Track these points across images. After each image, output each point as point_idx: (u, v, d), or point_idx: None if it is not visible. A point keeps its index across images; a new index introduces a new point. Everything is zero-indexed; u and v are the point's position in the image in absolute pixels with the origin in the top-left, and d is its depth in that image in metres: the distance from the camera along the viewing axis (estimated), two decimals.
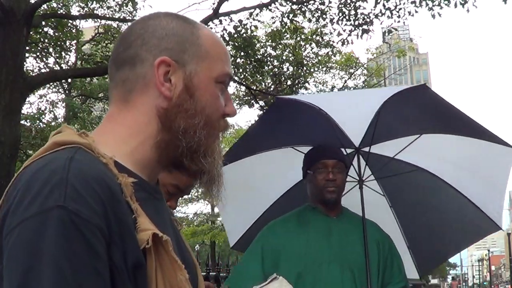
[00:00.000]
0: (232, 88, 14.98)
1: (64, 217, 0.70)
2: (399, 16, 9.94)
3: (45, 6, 9.86)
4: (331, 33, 11.13)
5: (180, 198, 1.89)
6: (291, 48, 12.58)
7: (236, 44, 10.32)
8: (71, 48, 12.38)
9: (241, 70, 11.42)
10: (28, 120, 12.64)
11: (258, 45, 11.42)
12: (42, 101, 15.53)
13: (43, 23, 9.72)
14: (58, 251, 0.68)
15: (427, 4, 9.62)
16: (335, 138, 2.56)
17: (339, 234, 2.36)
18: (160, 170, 0.94)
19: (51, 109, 15.59)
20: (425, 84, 2.67)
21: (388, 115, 2.55)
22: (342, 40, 10.45)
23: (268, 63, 11.73)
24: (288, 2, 10.31)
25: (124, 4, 12.01)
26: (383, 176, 2.88)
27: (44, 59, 12.00)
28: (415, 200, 3.11)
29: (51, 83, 13.16)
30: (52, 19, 10.06)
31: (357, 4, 9.86)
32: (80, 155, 0.79)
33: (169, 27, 0.90)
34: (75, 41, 12.14)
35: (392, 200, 3.04)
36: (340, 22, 10.21)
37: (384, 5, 9.76)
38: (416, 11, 9.79)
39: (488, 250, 63.69)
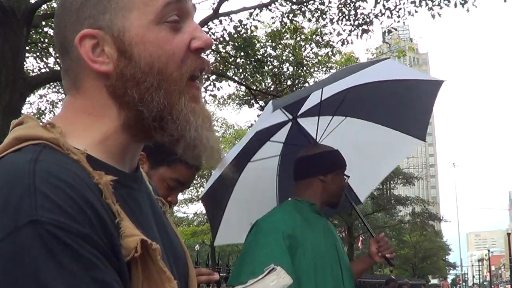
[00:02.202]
0: (232, 88, 15.00)
1: (40, 232, 0.58)
2: (399, 16, 9.97)
3: (45, 6, 9.85)
4: (331, 33, 11.14)
5: (181, 198, 1.86)
6: (291, 48, 12.56)
7: (236, 44, 10.32)
8: None
9: (241, 70, 11.42)
10: None
11: (258, 45, 11.41)
12: (42, 101, 15.51)
13: (43, 23, 9.71)
14: (46, 276, 0.57)
15: (427, 4, 9.64)
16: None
17: (329, 232, 2.37)
18: (140, 149, 0.84)
19: (51, 109, 15.58)
20: (443, 81, 2.65)
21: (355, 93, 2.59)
22: (342, 40, 10.48)
23: (268, 63, 11.72)
24: (288, 2, 10.31)
25: None
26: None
27: (44, 59, 11.97)
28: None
29: (51, 83, 13.15)
30: (52, 19, 10.01)
31: (357, 4, 9.88)
32: (45, 154, 0.67)
33: None
34: None
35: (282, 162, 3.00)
36: (340, 22, 10.24)
37: (384, 5, 9.79)
38: (416, 11, 9.82)
39: (488, 250, 63.74)
